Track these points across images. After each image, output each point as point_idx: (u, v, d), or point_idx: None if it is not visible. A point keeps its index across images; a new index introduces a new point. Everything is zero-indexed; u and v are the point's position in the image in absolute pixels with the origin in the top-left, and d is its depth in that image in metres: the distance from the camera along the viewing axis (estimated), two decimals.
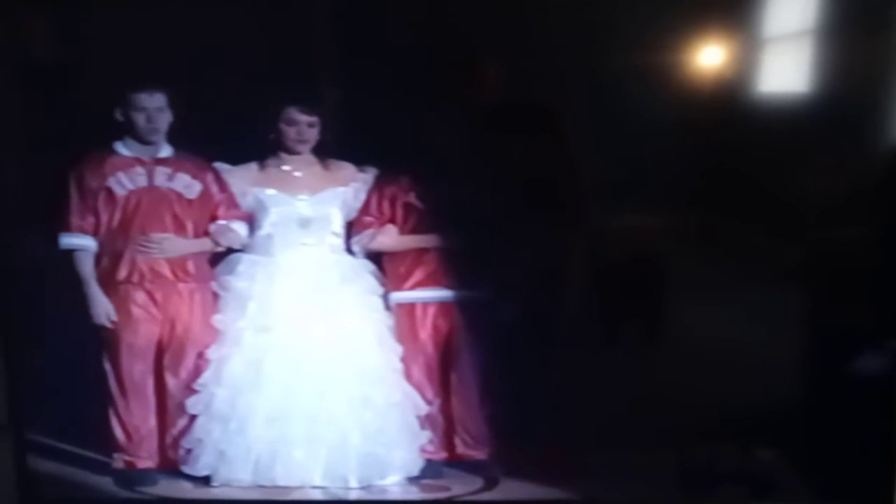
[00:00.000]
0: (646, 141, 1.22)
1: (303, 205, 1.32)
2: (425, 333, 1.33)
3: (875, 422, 1.29)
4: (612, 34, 1.20)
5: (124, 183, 1.29)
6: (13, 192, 1.28)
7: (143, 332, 1.33)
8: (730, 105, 1.22)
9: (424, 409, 1.35)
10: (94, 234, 1.30)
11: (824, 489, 1.33)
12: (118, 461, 1.35)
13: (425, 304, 1.33)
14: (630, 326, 1.35)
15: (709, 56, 1.20)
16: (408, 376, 1.34)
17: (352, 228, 1.33)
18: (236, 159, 1.32)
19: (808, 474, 1.34)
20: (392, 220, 1.31)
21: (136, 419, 1.34)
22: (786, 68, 1.21)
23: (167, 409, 1.35)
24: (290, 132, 1.28)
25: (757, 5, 1.20)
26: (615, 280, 1.32)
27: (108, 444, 1.35)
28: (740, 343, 1.28)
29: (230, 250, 1.34)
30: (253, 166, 1.32)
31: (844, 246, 1.27)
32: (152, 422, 1.35)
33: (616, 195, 1.27)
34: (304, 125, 1.28)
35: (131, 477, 1.35)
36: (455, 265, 1.32)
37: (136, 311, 1.32)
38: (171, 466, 1.36)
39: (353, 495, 1.35)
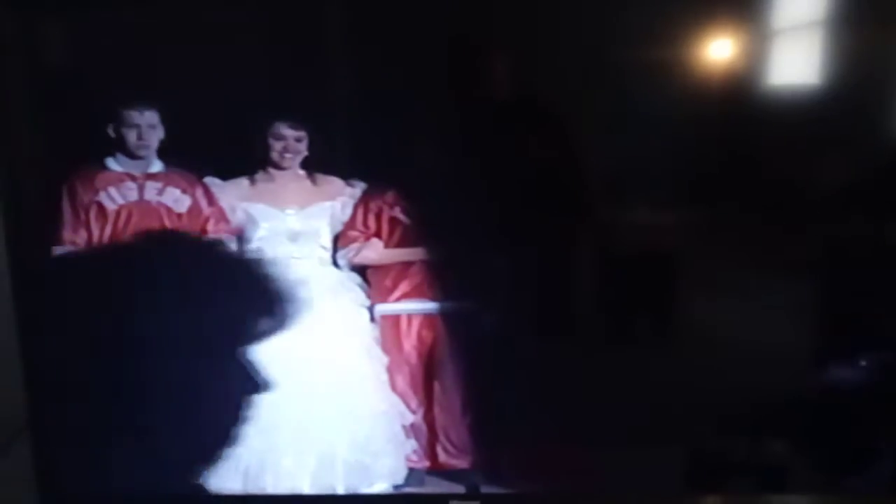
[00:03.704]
0: (651, 137, 1.25)
1: (292, 219, 1.35)
2: (410, 344, 1.36)
3: (886, 414, 1.32)
4: (615, 28, 1.22)
5: (115, 197, 1.32)
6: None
7: None
8: (741, 98, 1.23)
9: (410, 418, 1.37)
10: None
11: (835, 481, 1.36)
12: None
13: (410, 316, 1.36)
14: (636, 324, 1.37)
15: (718, 49, 1.21)
16: (392, 386, 1.37)
17: (337, 242, 1.35)
18: (227, 174, 1.34)
19: (819, 466, 1.36)
20: (377, 235, 1.34)
21: None
22: (797, 61, 1.22)
23: None
24: (278, 147, 1.31)
25: None
26: (620, 277, 1.33)
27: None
28: (751, 335, 1.29)
29: None
30: (243, 181, 1.35)
31: (857, 239, 1.29)
32: None
33: (622, 193, 1.29)
34: (291, 140, 1.31)
35: None
36: (440, 278, 1.34)
37: None
38: None
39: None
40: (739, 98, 1.24)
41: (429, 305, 1.35)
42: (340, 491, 1.37)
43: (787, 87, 1.24)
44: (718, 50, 1.22)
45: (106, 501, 1.38)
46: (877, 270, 1.30)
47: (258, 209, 1.34)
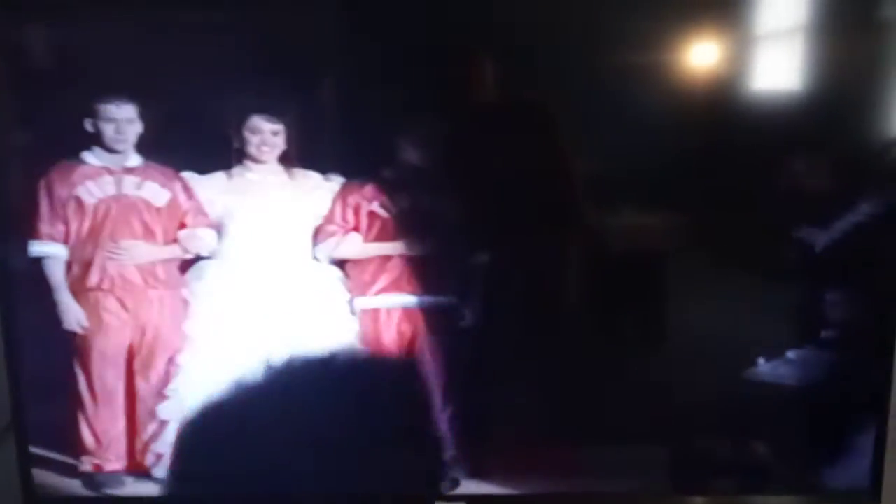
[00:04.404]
0: (633, 138, 1.24)
1: (270, 213, 1.34)
2: (389, 338, 1.35)
3: (867, 417, 1.32)
4: (600, 32, 1.22)
5: (93, 191, 1.32)
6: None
7: (114, 337, 1.35)
8: (726, 102, 1.24)
9: None
10: (65, 241, 1.32)
11: (816, 482, 1.36)
12: (86, 464, 1.38)
13: (389, 310, 1.35)
14: (617, 320, 1.36)
15: (703, 54, 1.22)
16: None
17: (316, 237, 1.34)
18: (205, 168, 1.33)
19: (801, 468, 1.37)
20: (356, 229, 1.33)
21: (105, 423, 1.37)
22: (783, 65, 1.23)
23: (137, 413, 1.37)
24: (255, 140, 1.31)
25: (750, 3, 1.22)
26: (602, 273, 1.33)
27: (77, 448, 1.37)
28: (736, 337, 1.30)
29: (199, 257, 1.36)
30: (221, 175, 1.34)
31: (843, 243, 1.28)
32: (121, 426, 1.37)
33: (605, 195, 1.29)
34: (267, 133, 1.30)
35: (99, 480, 1.38)
36: (419, 272, 1.34)
37: (106, 317, 1.34)
38: (139, 470, 1.38)
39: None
40: (727, 101, 1.24)
41: (408, 300, 1.34)
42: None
43: (774, 91, 1.24)
44: (706, 54, 1.22)
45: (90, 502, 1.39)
46: (863, 273, 1.30)
47: (236, 202, 1.33)
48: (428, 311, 1.34)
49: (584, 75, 1.23)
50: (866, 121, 1.25)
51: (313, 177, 1.32)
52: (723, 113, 1.25)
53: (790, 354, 1.32)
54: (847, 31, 1.22)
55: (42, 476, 1.38)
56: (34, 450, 1.37)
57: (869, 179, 1.27)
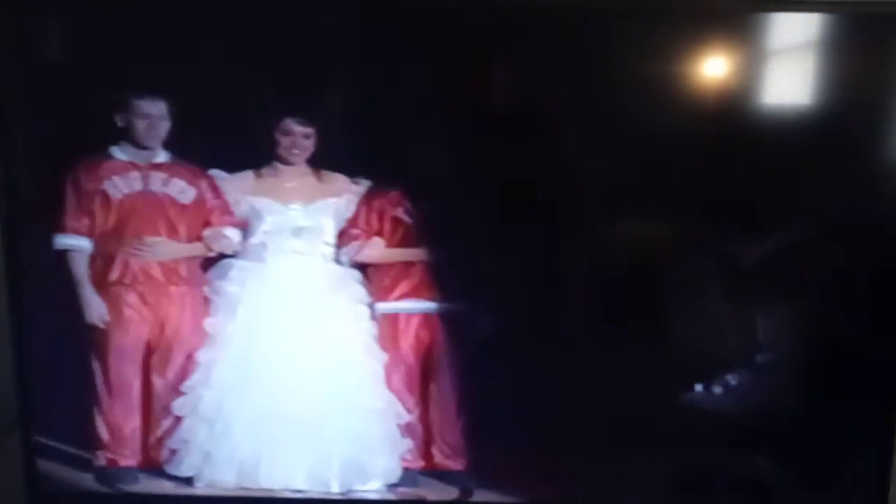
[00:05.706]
0: (643, 153, 1.26)
1: (296, 214, 1.35)
2: (407, 343, 1.36)
3: (871, 433, 1.32)
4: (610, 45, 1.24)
5: (120, 187, 1.32)
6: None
7: (133, 332, 1.36)
8: (733, 116, 1.25)
9: (405, 417, 1.37)
10: (89, 235, 1.33)
11: (820, 499, 1.36)
12: (100, 458, 1.38)
13: (409, 315, 1.35)
14: (631, 333, 1.36)
15: (711, 67, 1.23)
16: (389, 385, 1.36)
17: (340, 239, 1.35)
18: (233, 167, 1.34)
19: (805, 484, 1.36)
20: (379, 234, 1.34)
21: (120, 418, 1.37)
22: (786, 81, 1.24)
23: (152, 409, 1.38)
24: (286, 142, 1.31)
25: (760, 19, 1.23)
26: (616, 286, 1.33)
27: (91, 442, 1.38)
28: (738, 352, 1.31)
29: (222, 256, 1.36)
30: (249, 175, 1.35)
31: (846, 257, 1.29)
32: (136, 421, 1.38)
33: (614, 206, 1.30)
34: (299, 136, 1.31)
35: (113, 474, 1.38)
36: (439, 279, 1.34)
37: (127, 311, 1.35)
38: (152, 465, 1.39)
39: (334, 500, 1.38)
40: (730, 115, 1.25)
41: (427, 305, 1.35)
42: (335, 488, 1.38)
43: (777, 106, 1.25)
44: (711, 68, 1.23)
45: (90, 499, 1.39)
46: (867, 289, 1.30)
47: (263, 203, 1.34)
48: (447, 318, 1.35)
49: (614, 88, 1.24)
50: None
51: (340, 180, 1.33)
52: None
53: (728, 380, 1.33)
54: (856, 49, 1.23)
55: (56, 469, 1.38)
56: (50, 442, 1.38)
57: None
